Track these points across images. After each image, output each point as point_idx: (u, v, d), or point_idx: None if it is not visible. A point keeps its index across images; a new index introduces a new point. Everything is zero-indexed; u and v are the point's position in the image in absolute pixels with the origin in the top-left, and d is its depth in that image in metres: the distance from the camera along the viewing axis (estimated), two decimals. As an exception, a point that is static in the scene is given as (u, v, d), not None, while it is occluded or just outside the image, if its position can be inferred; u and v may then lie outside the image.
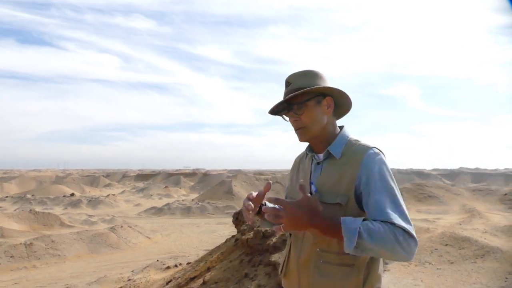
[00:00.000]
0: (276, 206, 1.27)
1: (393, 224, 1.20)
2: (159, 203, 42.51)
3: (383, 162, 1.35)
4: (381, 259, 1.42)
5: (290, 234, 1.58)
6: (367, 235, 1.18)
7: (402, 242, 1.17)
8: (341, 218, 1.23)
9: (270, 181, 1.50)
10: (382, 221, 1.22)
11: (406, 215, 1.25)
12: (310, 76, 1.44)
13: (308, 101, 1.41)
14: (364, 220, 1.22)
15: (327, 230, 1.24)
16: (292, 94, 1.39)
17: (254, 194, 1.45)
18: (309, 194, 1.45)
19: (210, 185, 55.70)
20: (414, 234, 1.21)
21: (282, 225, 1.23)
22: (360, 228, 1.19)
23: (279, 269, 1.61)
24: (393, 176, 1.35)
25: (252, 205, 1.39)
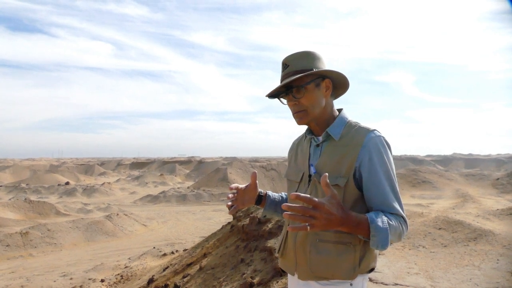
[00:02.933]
0: (304, 204, 1.19)
1: (400, 216, 1.32)
2: (155, 191, 42.59)
3: (384, 146, 1.36)
4: None
5: None
6: (392, 232, 1.25)
7: (404, 232, 1.32)
8: (369, 217, 1.25)
9: (255, 171, 1.59)
10: (391, 213, 1.31)
11: (401, 202, 1.35)
12: (308, 58, 1.41)
13: (308, 84, 1.39)
14: (382, 213, 1.29)
15: (356, 229, 1.24)
16: (292, 78, 1.37)
17: (239, 186, 1.58)
18: (308, 176, 1.48)
19: (205, 173, 55.79)
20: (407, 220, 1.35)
21: (309, 226, 1.14)
22: (388, 225, 1.25)
23: (277, 250, 1.63)
24: (392, 160, 1.37)
25: (231, 195, 1.54)
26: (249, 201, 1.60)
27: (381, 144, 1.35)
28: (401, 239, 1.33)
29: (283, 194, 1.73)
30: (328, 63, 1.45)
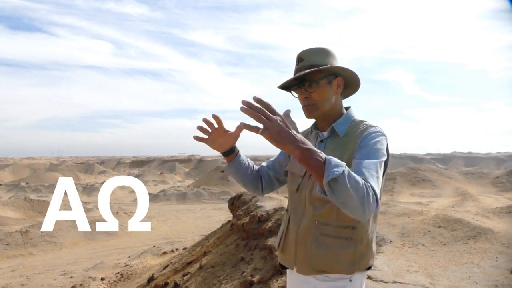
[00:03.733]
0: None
1: (367, 181, 1.18)
2: (155, 189, 42.58)
3: (380, 136, 1.36)
4: (374, 238, 1.46)
5: (287, 210, 1.61)
6: (348, 175, 1.12)
7: (370, 199, 1.14)
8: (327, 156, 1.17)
9: (243, 122, 1.32)
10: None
11: (379, 183, 1.23)
12: (324, 54, 1.44)
13: (321, 80, 1.42)
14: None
15: (310, 158, 1.13)
16: (305, 71, 1.38)
17: (223, 123, 1.47)
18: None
19: (205, 171, 55.82)
20: (380, 199, 1.20)
21: (262, 129, 1.12)
22: (345, 166, 1.14)
23: (276, 244, 1.63)
24: (385, 151, 1.33)
25: (208, 126, 1.46)
26: (220, 145, 1.52)
27: (378, 133, 1.37)
28: (363, 208, 1.13)
29: (252, 163, 1.68)
30: (342, 62, 1.47)
